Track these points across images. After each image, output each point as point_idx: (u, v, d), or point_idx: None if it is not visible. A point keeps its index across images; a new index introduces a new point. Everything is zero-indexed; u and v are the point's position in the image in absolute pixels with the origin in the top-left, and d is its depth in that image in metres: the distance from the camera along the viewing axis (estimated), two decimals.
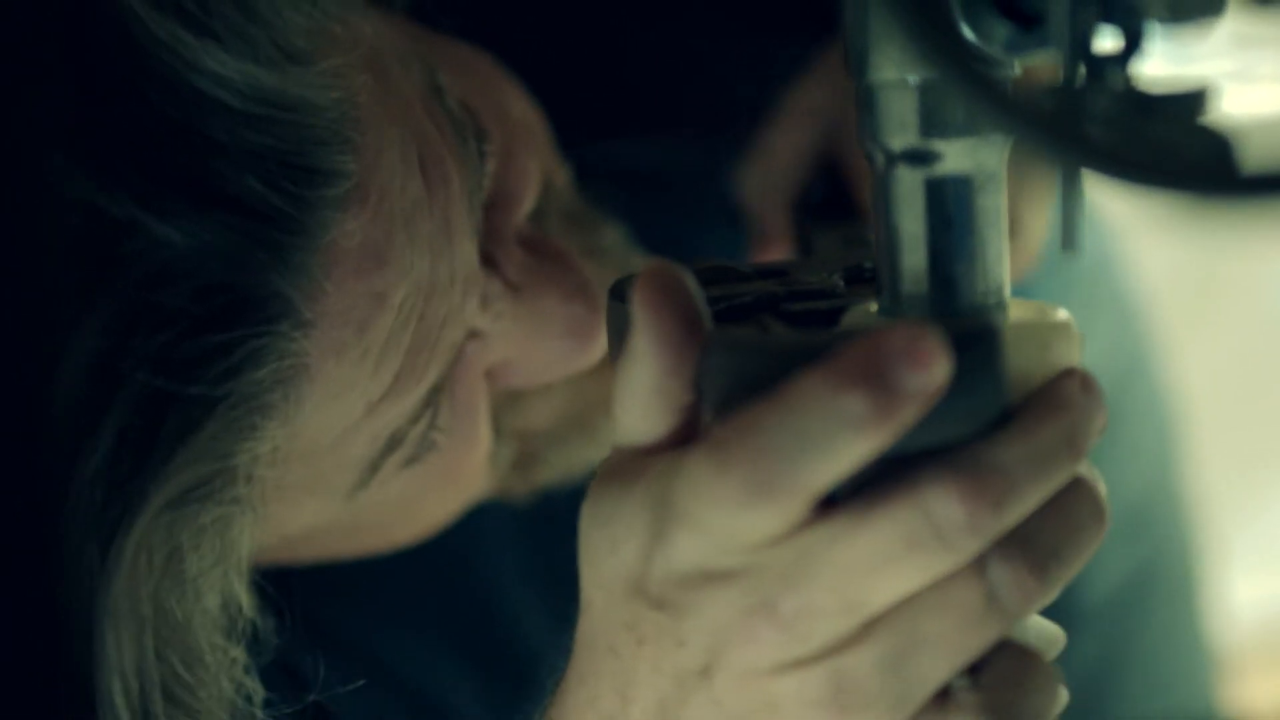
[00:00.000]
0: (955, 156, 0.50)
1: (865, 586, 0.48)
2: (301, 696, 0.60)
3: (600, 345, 0.64)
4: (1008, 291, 0.52)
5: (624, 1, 0.84)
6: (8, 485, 0.52)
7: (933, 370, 0.46)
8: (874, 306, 0.53)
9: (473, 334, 0.62)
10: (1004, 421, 0.49)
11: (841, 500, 0.48)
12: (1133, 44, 0.45)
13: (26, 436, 0.52)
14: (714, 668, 0.50)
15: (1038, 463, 0.48)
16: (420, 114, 0.60)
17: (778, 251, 0.79)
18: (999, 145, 0.51)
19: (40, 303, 0.51)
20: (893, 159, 0.50)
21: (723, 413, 0.49)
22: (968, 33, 0.48)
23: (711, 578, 0.49)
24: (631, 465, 0.50)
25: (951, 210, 0.51)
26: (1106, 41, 0.45)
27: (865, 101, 0.50)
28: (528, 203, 0.66)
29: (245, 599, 0.58)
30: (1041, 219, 0.76)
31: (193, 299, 0.53)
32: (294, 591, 0.61)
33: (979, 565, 0.48)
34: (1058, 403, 0.49)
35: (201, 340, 0.53)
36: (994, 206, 0.51)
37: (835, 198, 0.80)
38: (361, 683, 0.61)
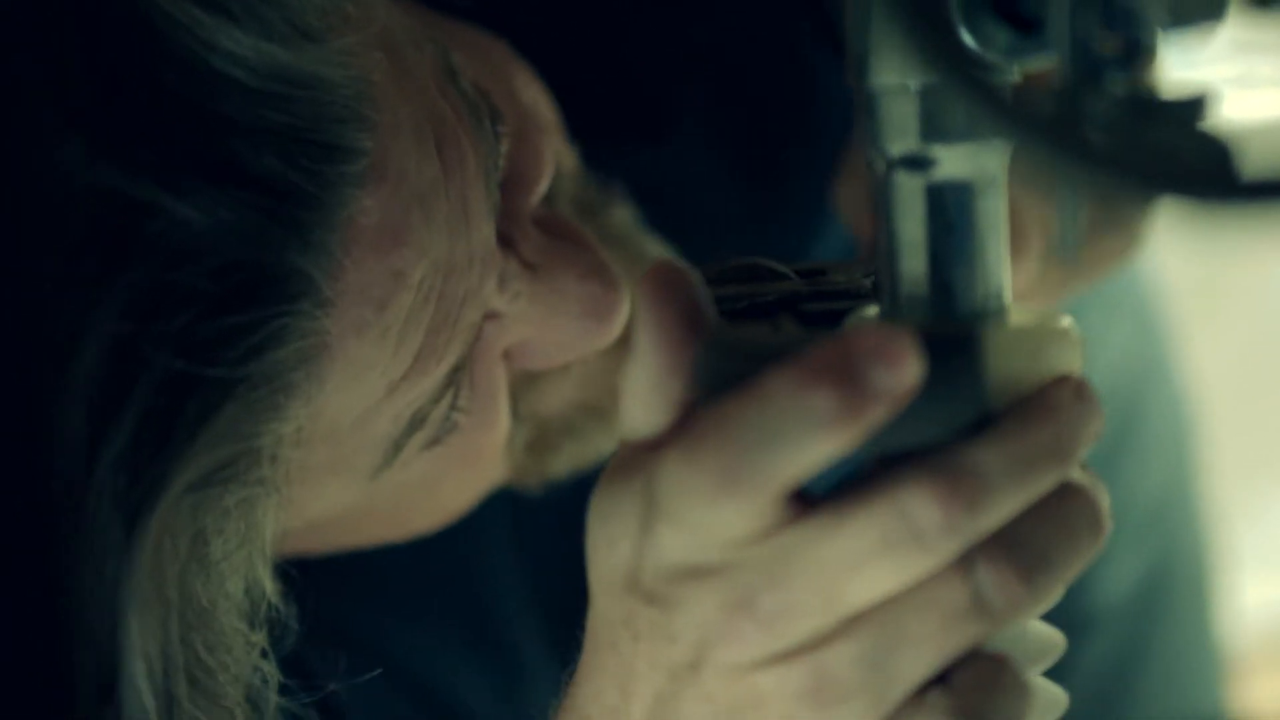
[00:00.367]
0: (956, 161, 0.50)
1: (844, 585, 0.48)
2: (311, 689, 0.60)
3: (617, 324, 0.64)
4: (1008, 296, 0.52)
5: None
6: (31, 470, 0.52)
7: (902, 370, 0.46)
8: (875, 310, 0.53)
9: (491, 315, 0.62)
10: (988, 426, 0.49)
11: (821, 500, 0.49)
12: (1133, 49, 0.45)
13: (49, 421, 0.52)
14: (702, 663, 0.50)
15: (1019, 466, 0.49)
16: (434, 94, 0.60)
17: None
18: (999, 150, 0.51)
19: (59, 287, 0.51)
20: (893, 164, 0.50)
21: None
22: (967, 37, 0.48)
23: (696, 573, 0.49)
24: (632, 461, 0.51)
25: (952, 215, 0.51)
26: (1106, 46, 0.45)
27: (866, 106, 0.50)
28: (543, 183, 0.66)
29: (268, 585, 0.58)
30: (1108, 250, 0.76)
31: (213, 279, 0.52)
32: (301, 584, 0.61)
33: (965, 567, 0.49)
34: (1045, 408, 0.50)
35: (223, 320, 0.53)
36: (994, 211, 0.51)
37: None
38: (369, 675, 0.61)
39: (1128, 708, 1.00)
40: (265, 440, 0.55)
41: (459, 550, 0.80)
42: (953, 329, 0.50)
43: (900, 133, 0.50)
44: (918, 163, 0.50)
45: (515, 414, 0.66)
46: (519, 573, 0.83)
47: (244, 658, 0.57)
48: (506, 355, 0.64)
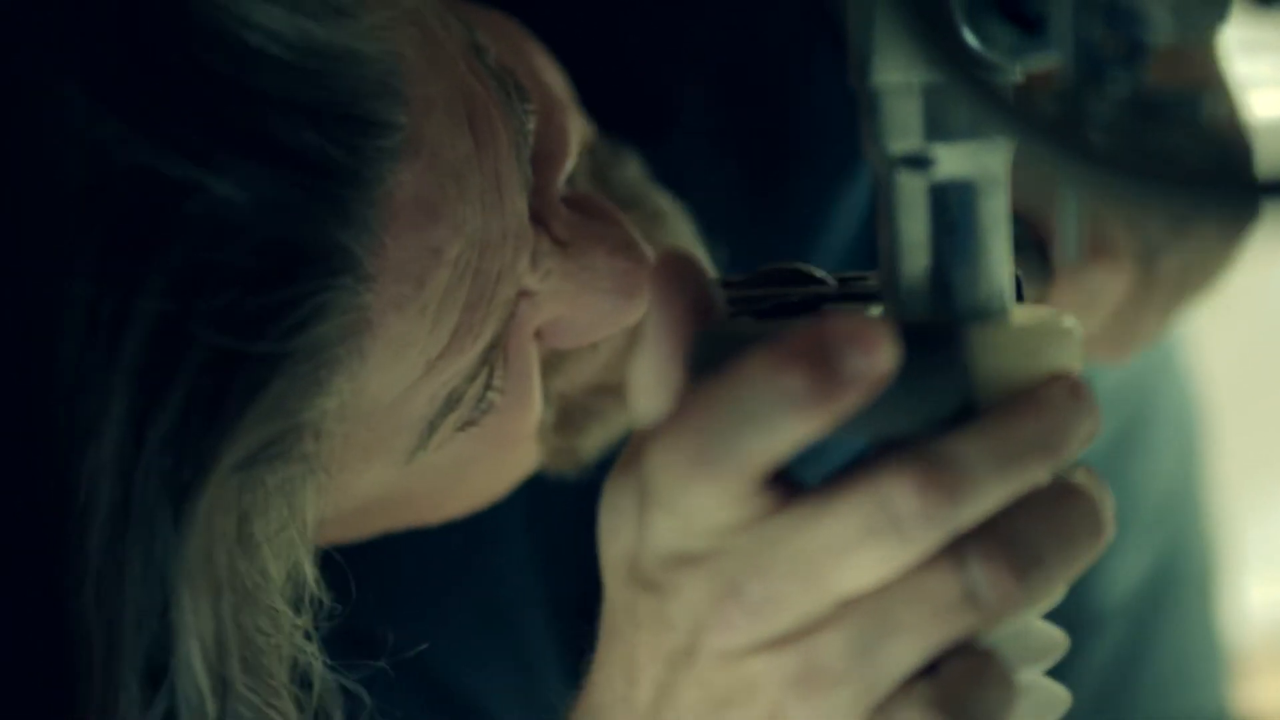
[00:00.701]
0: (958, 161, 0.50)
1: (828, 572, 0.49)
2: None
3: (645, 300, 0.64)
4: (1011, 295, 0.52)
5: None
6: (79, 452, 0.52)
7: (874, 356, 0.47)
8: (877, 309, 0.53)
9: (523, 293, 0.62)
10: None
11: (806, 488, 0.49)
12: (1135, 49, 0.45)
13: (97, 403, 0.52)
14: (696, 650, 0.51)
15: (1003, 460, 0.49)
16: (464, 70, 0.60)
17: None
18: (1002, 150, 0.51)
19: (102, 267, 0.51)
20: (895, 163, 0.50)
21: None
22: (970, 37, 0.48)
23: (687, 561, 0.50)
24: (636, 450, 0.51)
25: (954, 215, 0.51)
26: (1109, 46, 0.45)
27: (868, 105, 0.51)
28: (570, 161, 0.66)
29: (309, 570, 0.58)
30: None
31: (255, 255, 0.53)
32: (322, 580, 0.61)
33: (958, 559, 0.49)
34: (1035, 404, 0.50)
35: (266, 296, 0.53)
36: (996, 211, 0.51)
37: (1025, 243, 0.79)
38: (377, 666, 0.61)
39: (1131, 706, 1.01)
40: (310, 416, 0.55)
41: (473, 546, 0.80)
42: (932, 322, 0.50)
43: (902, 132, 0.50)
44: (920, 162, 0.50)
45: (544, 395, 0.67)
46: (533, 567, 0.83)
47: (290, 639, 0.57)
48: (538, 335, 0.65)
